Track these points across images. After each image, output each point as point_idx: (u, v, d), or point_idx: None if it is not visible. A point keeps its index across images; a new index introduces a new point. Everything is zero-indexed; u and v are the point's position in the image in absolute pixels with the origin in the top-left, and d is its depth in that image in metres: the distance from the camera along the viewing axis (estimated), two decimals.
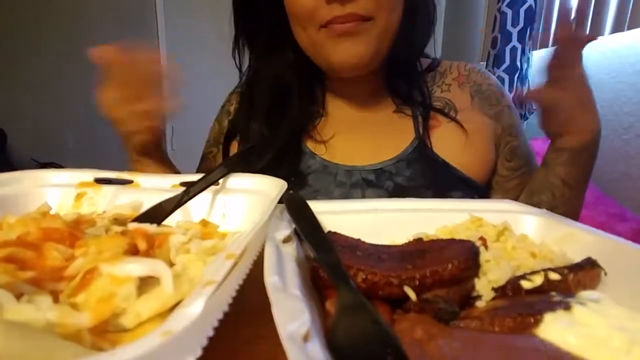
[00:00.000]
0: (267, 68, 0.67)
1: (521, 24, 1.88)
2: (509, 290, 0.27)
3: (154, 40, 2.50)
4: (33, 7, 2.33)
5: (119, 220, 0.29)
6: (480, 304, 0.27)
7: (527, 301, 0.25)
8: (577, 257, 0.31)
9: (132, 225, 0.26)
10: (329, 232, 0.33)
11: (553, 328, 0.21)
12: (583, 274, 0.28)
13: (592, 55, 1.65)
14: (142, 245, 0.23)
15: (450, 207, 0.39)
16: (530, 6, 1.86)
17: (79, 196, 0.37)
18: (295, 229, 0.30)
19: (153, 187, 0.38)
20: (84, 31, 2.43)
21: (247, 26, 0.67)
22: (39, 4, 2.34)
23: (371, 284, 0.25)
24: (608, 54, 1.60)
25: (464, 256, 0.27)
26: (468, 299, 0.28)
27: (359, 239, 0.33)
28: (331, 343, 0.18)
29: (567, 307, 0.23)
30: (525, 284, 0.27)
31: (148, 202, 0.34)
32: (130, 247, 0.22)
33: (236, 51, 0.68)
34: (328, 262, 0.25)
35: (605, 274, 0.29)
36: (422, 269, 0.26)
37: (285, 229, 0.29)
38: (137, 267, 0.20)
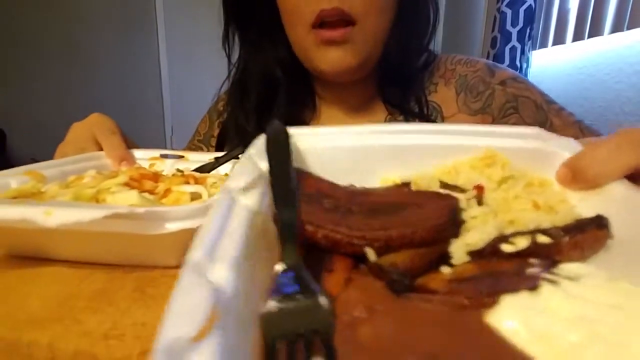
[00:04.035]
0: (257, 62, 0.65)
1: (521, 24, 1.88)
2: (487, 254, 0.24)
3: (154, 40, 2.51)
4: (33, 7, 2.33)
5: (179, 171, 0.50)
6: (445, 269, 0.23)
7: (498, 271, 0.22)
8: (594, 213, 0.26)
9: (187, 172, 0.47)
10: (301, 172, 0.28)
11: (507, 313, 0.18)
12: (583, 236, 0.24)
13: (592, 55, 1.65)
14: (192, 180, 0.41)
15: (458, 142, 0.33)
16: (529, 6, 1.86)
17: (150, 166, 0.54)
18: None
19: (196, 159, 0.55)
20: (84, 31, 2.43)
21: (237, 16, 0.65)
22: (39, 5, 2.34)
23: (332, 242, 0.23)
24: (608, 54, 1.60)
25: (438, 219, 0.24)
26: (439, 260, 0.24)
27: (332, 183, 0.29)
28: (265, 316, 0.18)
29: (534, 287, 0.19)
30: (507, 248, 0.24)
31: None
32: (186, 181, 0.41)
33: (226, 42, 0.66)
34: (282, 219, 0.22)
35: (610, 238, 0.25)
36: (390, 229, 0.23)
37: (250, 173, 0.26)
38: (190, 188, 0.39)
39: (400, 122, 0.63)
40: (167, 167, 0.54)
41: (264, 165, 0.27)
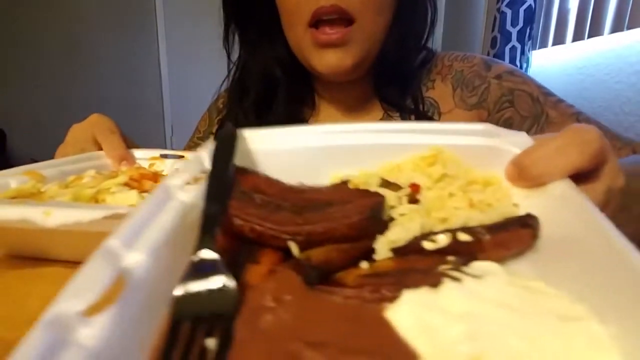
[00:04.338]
0: (256, 61, 0.65)
1: (520, 24, 1.87)
2: (409, 251, 0.24)
3: (154, 40, 2.51)
4: (33, 7, 2.34)
5: None
6: (364, 265, 0.24)
7: (410, 268, 0.23)
8: (535, 211, 0.26)
9: None
10: (243, 170, 0.30)
11: (403, 308, 0.19)
12: (507, 234, 0.25)
13: (592, 55, 1.65)
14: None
15: (408, 141, 0.33)
16: (529, 6, 1.85)
17: (150, 165, 0.55)
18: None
19: (205, 150, 0.57)
20: (84, 31, 2.44)
21: (236, 15, 0.65)
22: (39, 4, 2.34)
23: (258, 235, 0.24)
24: (608, 54, 1.60)
25: (359, 216, 0.24)
26: (366, 256, 0.25)
27: (270, 181, 0.30)
28: (175, 298, 0.19)
29: (435, 284, 0.20)
30: (428, 245, 0.24)
31: None
32: None
33: (226, 42, 0.67)
34: (207, 212, 0.24)
35: (535, 237, 0.25)
36: (313, 225, 0.24)
37: (192, 171, 0.27)
38: None
39: (397, 119, 0.63)
40: (167, 167, 0.54)
41: (208, 164, 0.29)
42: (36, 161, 0.47)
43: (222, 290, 0.20)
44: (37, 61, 2.41)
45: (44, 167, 0.45)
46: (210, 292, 0.20)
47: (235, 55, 0.68)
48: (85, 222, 0.28)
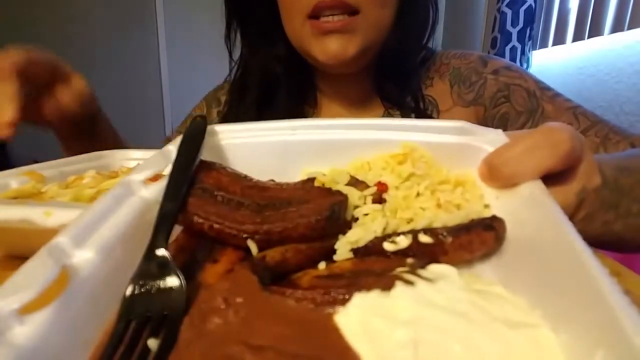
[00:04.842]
0: (257, 59, 0.65)
1: (521, 24, 1.87)
2: (370, 251, 0.24)
3: (154, 40, 2.50)
4: (32, 7, 2.34)
5: None
6: (321, 265, 0.24)
7: (366, 269, 0.23)
8: (504, 212, 0.26)
9: None
10: (208, 165, 0.29)
11: (352, 311, 0.19)
12: (468, 237, 0.24)
13: (592, 55, 1.65)
14: None
15: (382, 137, 0.32)
16: (530, 6, 1.85)
17: None
18: None
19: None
20: (84, 31, 2.44)
21: (238, 11, 0.65)
22: (39, 4, 2.34)
23: (217, 233, 0.24)
24: (608, 54, 1.60)
25: (316, 216, 0.24)
26: (327, 256, 0.25)
27: (234, 178, 0.29)
28: (123, 297, 0.19)
29: (387, 287, 0.20)
30: (389, 247, 0.24)
31: None
32: None
33: (228, 38, 0.66)
34: (163, 210, 0.23)
35: (498, 239, 0.24)
36: (271, 224, 0.24)
37: (156, 166, 0.27)
38: None
39: (397, 116, 0.63)
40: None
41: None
42: (37, 161, 0.47)
43: (171, 290, 0.19)
44: None
45: (44, 168, 0.45)
46: (159, 291, 0.19)
47: (236, 54, 0.68)
48: None
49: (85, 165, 0.49)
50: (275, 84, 0.65)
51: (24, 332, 0.15)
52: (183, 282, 0.20)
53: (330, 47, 0.54)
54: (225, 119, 0.70)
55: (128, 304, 0.19)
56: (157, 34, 2.53)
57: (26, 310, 0.16)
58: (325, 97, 0.69)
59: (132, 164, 0.54)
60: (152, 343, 0.17)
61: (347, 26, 0.52)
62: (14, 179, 0.40)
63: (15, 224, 0.29)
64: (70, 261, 0.19)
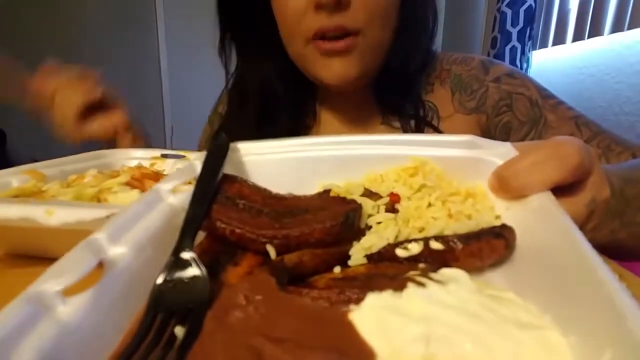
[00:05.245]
0: (254, 74, 0.64)
1: (521, 24, 1.87)
2: (384, 258, 0.25)
3: (154, 40, 2.51)
4: (33, 7, 2.34)
5: None
6: (337, 269, 0.25)
7: (379, 273, 0.24)
8: (514, 223, 0.27)
9: None
10: (231, 178, 0.31)
11: (366, 309, 0.20)
12: (479, 244, 0.25)
13: (592, 55, 1.65)
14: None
15: (394, 152, 0.34)
16: (530, 6, 1.85)
17: (151, 165, 0.54)
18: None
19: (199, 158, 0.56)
20: (84, 31, 2.44)
21: (232, 28, 0.64)
22: (39, 5, 2.34)
23: (238, 237, 0.25)
24: (608, 54, 1.60)
25: (331, 222, 0.25)
26: (342, 261, 0.26)
27: (255, 189, 0.31)
28: (152, 290, 0.21)
29: (400, 288, 0.21)
30: (401, 253, 0.25)
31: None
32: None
33: (223, 51, 0.66)
34: (189, 215, 0.25)
35: (508, 247, 0.25)
36: (289, 229, 0.25)
37: (184, 177, 0.30)
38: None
39: (396, 124, 0.63)
40: (168, 166, 0.54)
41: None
42: (36, 161, 0.47)
43: (195, 286, 0.21)
44: (36, 61, 2.41)
45: (45, 166, 0.45)
46: (185, 287, 0.21)
47: (232, 64, 0.67)
48: (88, 221, 0.28)
49: (86, 164, 0.49)
50: (274, 99, 0.64)
51: (66, 310, 0.17)
52: (207, 277, 0.21)
53: (334, 69, 0.54)
54: (226, 131, 0.69)
55: (156, 296, 0.21)
56: (157, 34, 2.53)
57: (68, 292, 0.18)
58: (324, 111, 0.69)
59: (133, 163, 0.54)
60: (179, 331, 0.19)
61: (349, 47, 0.53)
62: (15, 177, 0.40)
63: (16, 222, 0.29)
64: (106, 254, 0.21)
